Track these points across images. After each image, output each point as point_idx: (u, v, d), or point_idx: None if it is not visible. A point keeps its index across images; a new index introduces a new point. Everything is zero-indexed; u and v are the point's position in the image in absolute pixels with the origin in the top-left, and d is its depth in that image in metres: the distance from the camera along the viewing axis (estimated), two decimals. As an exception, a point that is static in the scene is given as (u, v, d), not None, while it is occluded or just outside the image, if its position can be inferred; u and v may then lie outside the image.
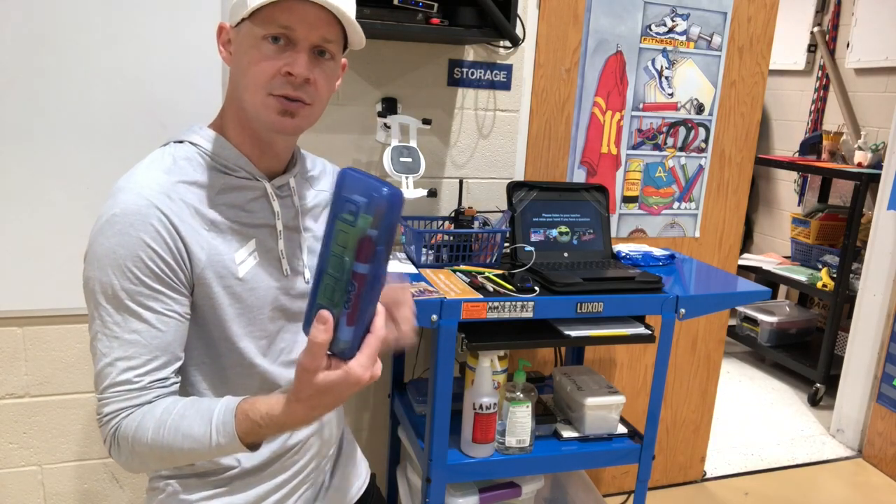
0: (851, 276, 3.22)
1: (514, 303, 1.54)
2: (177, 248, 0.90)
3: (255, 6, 0.89)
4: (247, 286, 0.97)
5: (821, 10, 3.87)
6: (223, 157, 0.97)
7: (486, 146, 2.07)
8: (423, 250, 1.77)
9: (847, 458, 2.91)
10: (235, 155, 0.98)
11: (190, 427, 0.85)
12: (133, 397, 0.89)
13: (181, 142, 0.98)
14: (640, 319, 1.73)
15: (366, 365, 0.77)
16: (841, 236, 3.37)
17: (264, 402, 0.83)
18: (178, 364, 0.94)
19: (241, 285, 0.97)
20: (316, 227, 1.11)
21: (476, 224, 1.87)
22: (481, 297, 1.54)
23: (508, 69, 2.03)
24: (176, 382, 0.93)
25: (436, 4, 1.68)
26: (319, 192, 1.14)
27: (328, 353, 0.77)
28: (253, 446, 0.86)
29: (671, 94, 2.24)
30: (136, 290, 0.88)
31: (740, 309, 3.81)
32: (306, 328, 0.76)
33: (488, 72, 2.02)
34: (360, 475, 1.26)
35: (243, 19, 0.92)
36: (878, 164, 3.15)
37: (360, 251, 0.73)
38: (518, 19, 1.90)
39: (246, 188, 0.99)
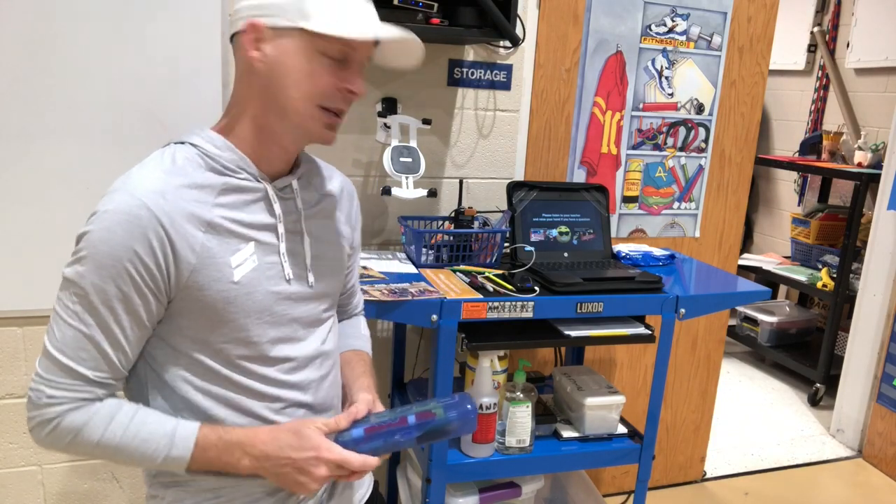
0: (851, 276, 3.22)
1: (514, 303, 1.54)
2: (163, 253, 0.89)
3: (336, 34, 0.90)
4: (243, 290, 0.95)
5: (821, 10, 3.87)
6: (224, 159, 0.96)
7: (486, 146, 2.07)
8: (423, 250, 1.77)
9: (847, 458, 2.91)
10: (237, 156, 0.97)
11: (150, 433, 0.92)
12: (85, 392, 0.90)
13: (182, 143, 0.97)
14: (640, 319, 1.73)
15: (331, 459, 0.95)
16: (841, 236, 3.37)
17: (230, 426, 0.96)
18: (130, 366, 0.95)
19: (236, 289, 0.95)
20: (320, 231, 1.08)
21: (476, 224, 1.87)
22: (481, 297, 1.53)
23: (508, 69, 2.03)
24: (121, 382, 0.96)
25: (436, 4, 1.68)
26: (324, 195, 1.11)
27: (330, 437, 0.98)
28: (191, 468, 0.94)
29: (671, 94, 2.24)
30: (108, 290, 0.89)
31: (740, 309, 3.81)
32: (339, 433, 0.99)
33: (488, 72, 2.02)
34: (364, 484, 1.24)
35: (294, 27, 0.91)
36: (878, 164, 3.15)
37: (420, 416, 1.02)
38: (518, 19, 1.90)
39: (247, 190, 0.97)
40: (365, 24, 0.94)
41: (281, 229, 1.01)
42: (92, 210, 0.92)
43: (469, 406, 1.03)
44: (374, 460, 0.98)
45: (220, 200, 0.95)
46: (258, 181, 0.99)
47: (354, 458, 0.95)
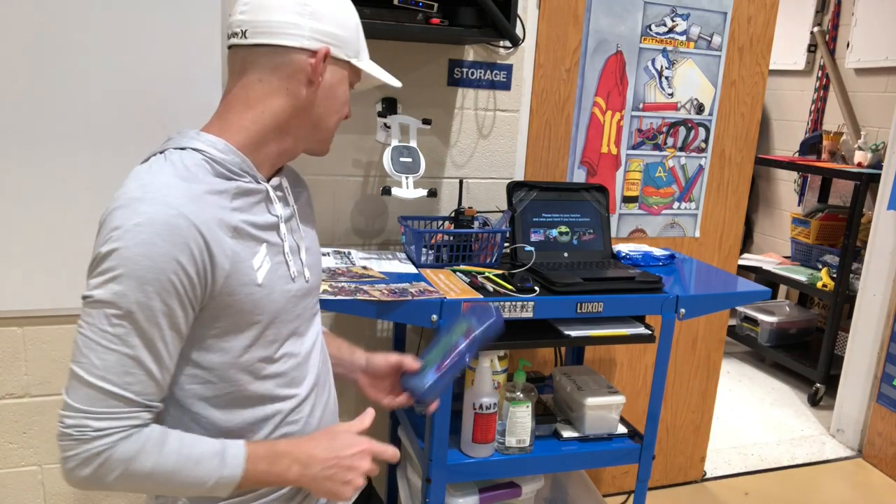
0: (851, 276, 3.22)
1: (514, 303, 1.54)
2: (202, 262, 0.88)
3: (373, 76, 1.06)
4: (265, 291, 0.96)
5: (821, 10, 3.87)
6: (228, 162, 0.95)
7: (486, 146, 2.07)
8: (423, 250, 1.77)
9: (847, 458, 2.91)
10: (240, 159, 0.97)
11: (202, 453, 0.90)
12: (134, 419, 0.87)
13: (183, 149, 0.95)
14: (640, 319, 1.73)
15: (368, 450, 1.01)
16: (841, 236, 3.37)
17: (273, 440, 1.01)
18: (165, 390, 0.92)
19: (260, 291, 0.96)
20: (305, 225, 1.11)
21: (476, 224, 1.87)
22: (481, 297, 1.54)
23: (508, 69, 2.03)
24: (159, 410, 0.92)
25: (436, 4, 1.68)
26: (299, 191, 1.15)
27: (408, 388, 1.16)
28: (242, 486, 0.93)
29: (671, 94, 2.25)
30: (153, 306, 0.85)
31: (740, 309, 3.81)
32: (415, 382, 1.15)
33: (488, 72, 2.02)
34: None
35: (347, 61, 1.02)
36: (878, 164, 3.15)
37: (465, 337, 1.17)
38: (518, 19, 1.90)
39: (252, 192, 0.98)
40: (382, 70, 1.09)
41: (283, 228, 1.02)
42: (106, 224, 0.86)
43: (490, 306, 1.21)
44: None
45: (235, 204, 0.95)
46: (259, 182, 0.99)
47: (390, 447, 1.03)
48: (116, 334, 0.85)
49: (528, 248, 1.79)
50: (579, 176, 2.20)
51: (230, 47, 1.00)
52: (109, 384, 0.85)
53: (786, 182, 4.20)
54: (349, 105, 1.07)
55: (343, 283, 1.54)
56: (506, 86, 2.04)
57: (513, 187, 1.84)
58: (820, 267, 3.51)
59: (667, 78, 2.23)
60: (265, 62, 0.97)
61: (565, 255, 1.85)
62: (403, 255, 1.89)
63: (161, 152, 0.95)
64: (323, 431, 1.02)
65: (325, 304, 1.38)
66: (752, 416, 3.25)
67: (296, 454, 0.96)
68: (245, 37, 0.97)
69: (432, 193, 1.83)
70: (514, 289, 1.58)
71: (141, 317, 0.85)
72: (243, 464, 0.92)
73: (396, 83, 1.11)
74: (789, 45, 4.01)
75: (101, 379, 0.85)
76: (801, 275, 3.51)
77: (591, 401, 1.74)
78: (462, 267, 1.76)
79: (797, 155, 3.88)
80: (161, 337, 0.87)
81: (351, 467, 0.98)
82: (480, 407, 1.61)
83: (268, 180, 1.02)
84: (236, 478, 0.91)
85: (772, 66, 3.98)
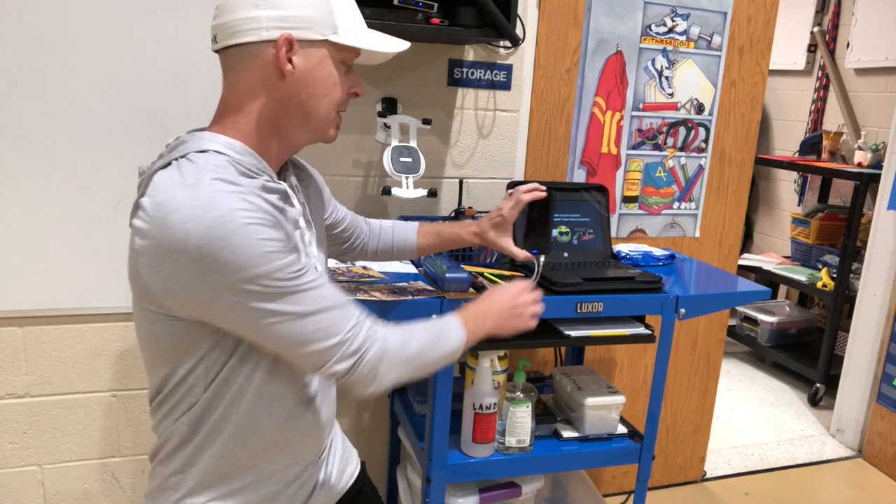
0: (851, 276, 3.22)
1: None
2: (284, 232, 0.93)
3: (363, 47, 0.99)
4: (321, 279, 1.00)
5: (821, 10, 3.87)
6: (247, 164, 0.95)
7: (486, 146, 2.07)
8: (423, 250, 1.77)
9: (847, 458, 2.91)
10: (256, 160, 0.97)
11: (441, 334, 1.08)
12: (364, 322, 0.97)
13: (204, 151, 0.94)
14: (640, 319, 1.73)
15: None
16: (841, 236, 3.37)
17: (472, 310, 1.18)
18: None
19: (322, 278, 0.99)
20: (314, 217, 1.13)
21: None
22: (481, 297, 1.53)
23: (508, 69, 2.03)
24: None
25: (436, 4, 1.68)
26: (303, 181, 1.15)
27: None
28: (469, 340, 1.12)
29: (671, 94, 2.25)
30: (284, 264, 0.89)
31: (740, 309, 3.81)
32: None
33: (488, 72, 2.02)
34: (353, 461, 1.29)
35: (324, 40, 0.96)
36: (878, 164, 3.15)
37: None
38: (518, 19, 1.90)
39: (273, 190, 0.98)
40: (379, 36, 1.03)
41: (302, 223, 1.05)
42: (177, 236, 0.85)
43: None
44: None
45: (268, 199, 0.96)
46: (277, 182, 1.00)
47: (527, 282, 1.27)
48: (292, 288, 0.90)
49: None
50: (579, 176, 2.20)
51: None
52: (339, 302, 0.95)
53: (786, 182, 4.20)
54: (354, 83, 1.03)
55: (343, 283, 1.54)
56: (506, 86, 2.04)
57: (513, 187, 1.84)
58: (820, 267, 3.51)
59: (667, 78, 2.23)
60: (236, 63, 0.97)
61: (565, 255, 1.85)
62: (403, 255, 1.89)
63: (183, 156, 0.93)
64: (490, 290, 1.24)
65: (325, 304, 1.38)
66: (752, 416, 3.25)
67: (486, 311, 1.17)
68: (216, 41, 0.98)
69: (432, 193, 1.83)
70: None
71: (291, 273, 0.89)
72: (464, 331, 1.10)
73: (399, 47, 1.04)
74: (789, 45, 4.01)
75: (331, 306, 0.93)
76: (801, 275, 3.51)
77: (591, 401, 1.74)
78: (462, 267, 1.75)
79: (797, 155, 3.88)
80: (312, 271, 0.94)
81: (525, 304, 1.23)
82: (480, 407, 1.61)
83: (280, 175, 1.05)
84: (464, 342, 1.11)
85: (772, 66, 3.98)
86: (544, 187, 1.43)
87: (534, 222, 1.57)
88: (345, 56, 1.00)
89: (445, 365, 1.10)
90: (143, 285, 0.90)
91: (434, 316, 1.13)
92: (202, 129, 1.00)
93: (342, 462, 1.24)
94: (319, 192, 1.22)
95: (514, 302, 1.22)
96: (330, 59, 0.98)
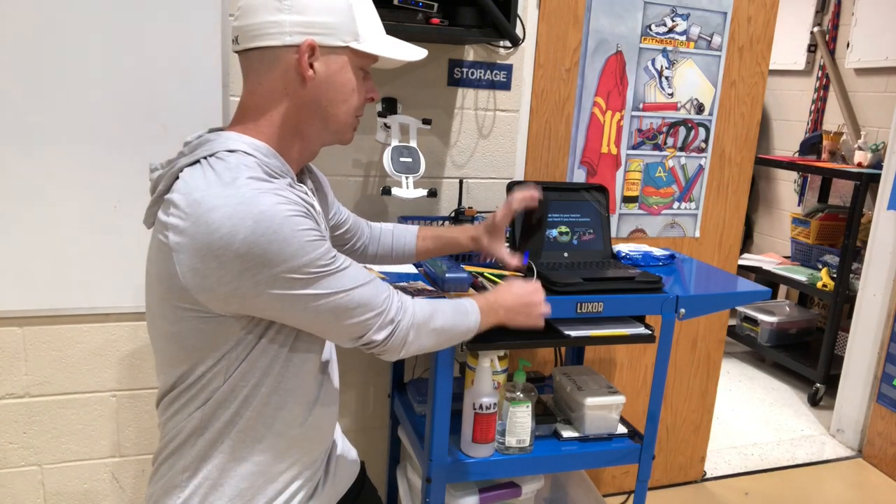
0: (851, 276, 3.22)
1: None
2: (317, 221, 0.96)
3: (383, 55, 1.01)
4: None
5: (821, 10, 3.87)
6: (272, 166, 0.97)
7: (486, 146, 2.07)
8: (423, 250, 1.77)
9: (847, 458, 2.91)
10: (279, 162, 0.99)
11: (458, 307, 1.16)
12: (395, 293, 1.04)
13: (233, 151, 0.94)
14: (640, 319, 1.73)
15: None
16: (841, 236, 3.37)
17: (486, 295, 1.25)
18: None
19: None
20: (328, 220, 1.17)
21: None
22: (481, 297, 1.53)
23: (508, 69, 2.03)
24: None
25: (436, 4, 1.68)
26: (318, 188, 1.19)
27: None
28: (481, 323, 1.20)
29: (671, 94, 2.25)
30: (322, 253, 0.93)
31: (740, 309, 3.81)
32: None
33: (488, 72, 2.02)
34: (353, 460, 1.30)
35: (345, 47, 0.98)
36: (878, 164, 3.15)
37: None
38: (518, 19, 1.90)
39: (297, 191, 0.99)
40: (401, 45, 1.06)
41: (321, 224, 1.05)
42: (220, 234, 0.87)
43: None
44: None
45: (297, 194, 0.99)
46: (298, 184, 1.01)
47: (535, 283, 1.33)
48: (331, 271, 0.94)
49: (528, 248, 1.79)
50: (579, 176, 2.20)
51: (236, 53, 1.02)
52: (370, 279, 1.01)
53: (786, 182, 4.20)
54: (371, 88, 1.06)
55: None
56: (506, 86, 2.04)
57: (513, 187, 1.84)
58: (820, 267, 3.51)
59: (667, 78, 2.23)
60: (258, 66, 0.98)
61: (565, 255, 1.85)
62: (403, 255, 1.89)
63: (212, 155, 0.93)
64: (507, 284, 1.30)
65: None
66: (752, 416, 3.25)
67: (500, 302, 1.24)
68: (238, 43, 0.99)
69: (432, 193, 1.83)
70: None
71: (327, 260, 0.94)
72: (479, 316, 1.19)
73: (417, 56, 1.09)
74: (789, 45, 4.01)
75: (364, 284, 0.99)
76: (801, 275, 3.51)
77: (591, 401, 1.74)
78: (462, 267, 1.75)
79: (797, 155, 3.88)
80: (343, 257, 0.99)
81: (536, 303, 1.29)
82: (480, 407, 1.61)
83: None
84: (478, 325, 1.19)
85: (772, 66, 3.98)
86: (538, 195, 1.43)
87: (529, 226, 1.59)
88: (364, 62, 1.02)
89: (458, 343, 1.19)
90: (177, 283, 0.91)
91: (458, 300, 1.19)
92: (223, 129, 1.01)
93: (343, 462, 1.24)
94: (325, 194, 1.24)
95: (528, 300, 1.28)
96: (350, 66, 1.00)
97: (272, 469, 1.04)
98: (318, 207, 1.07)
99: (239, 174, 0.90)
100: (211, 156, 0.93)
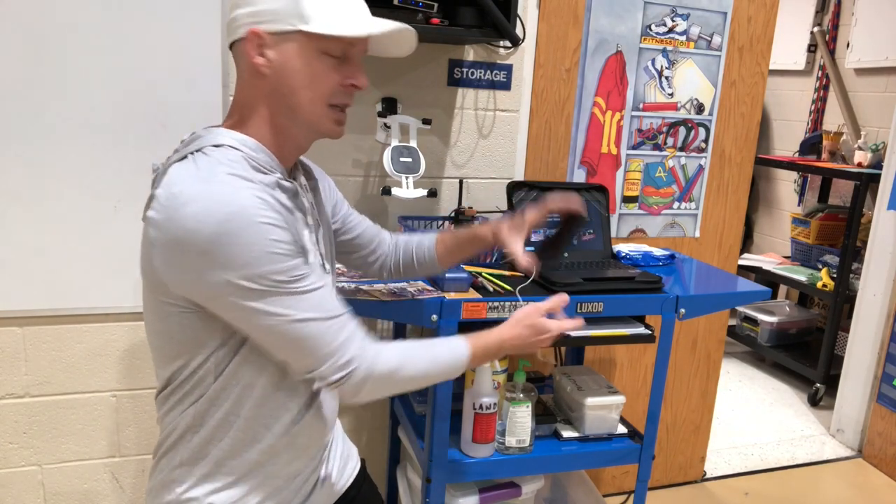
0: (851, 276, 3.22)
1: (514, 303, 1.54)
2: (291, 234, 0.93)
3: (337, 34, 0.93)
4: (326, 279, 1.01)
5: (821, 10, 3.87)
6: (260, 161, 0.97)
7: (486, 146, 2.07)
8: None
9: (847, 458, 2.91)
10: (269, 157, 0.99)
11: (436, 356, 1.05)
12: (358, 335, 0.97)
13: (219, 146, 0.95)
14: (640, 319, 1.73)
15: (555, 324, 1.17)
16: (841, 236, 3.37)
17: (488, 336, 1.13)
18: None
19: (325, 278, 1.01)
20: (323, 218, 1.14)
21: (476, 224, 1.87)
22: (481, 297, 1.53)
23: (508, 69, 2.03)
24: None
25: (436, 4, 1.68)
26: (313, 184, 1.17)
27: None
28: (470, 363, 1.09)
29: (671, 94, 2.24)
30: (289, 266, 0.90)
31: (740, 309, 3.81)
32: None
33: (488, 72, 2.02)
34: (353, 457, 1.30)
35: (294, 31, 0.93)
36: (878, 164, 3.15)
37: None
38: (518, 19, 1.90)
39: (285, 188, 1.00)
40: (360, 20, 0.97)
41: (310, 221, 1.05)
42: (187, 228, 0.86)
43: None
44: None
45: (276, 198, 0.97)
46: (287, 181, 1.01)
47: (567, 322, 1.20)
48: (289, 290, 0.90)
49: (528, 248, 1.79)
50: (579, 176, 2.20)
51: None
52: (334, 313, 0.94)
53: (786, 182, 4.20)
54: (351, 74, 0.98)
55: (343, 283, 1.54)
56: (506, 86, 2.04)
57: (513, 187, 1.84)
58: (820, 267, 3.51)
59: (667, 78, 2.23)
60: (236, 62, 1.01)
61: (565, 255, 1.85)
62: (403, 255, 1.89)
63: (199, 150, 0.94)
64: (515, 321, 1.17)
65: (325, 304, 1.38)
66: (752, 416, 3.25)
67: (504, 342, 1.14)
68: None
69: (432, 193, 1.83)
70: (513, 289, 1.58)
71: (291, 276, 0.90)
72: (468, 361, 1.09)
73: (382, 28, 0.98)
74: (789, 45, 4.01)
75: (323, 317, 0.93)
76: (801, 275, 3.51)
77: (591, 401, 1.74)
78: (462, 267, 1.75)
79: (797, 155, 3.88)
80: (315, 276, 0.94)
81: (546, 339, 1.18)
82: (480, 407, 1.61)
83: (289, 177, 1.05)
84: (465, 367, 1.09)
85: (772, 66, 3.98)
86: (582, 209, 1.31)
87: (560, 237, 1.38)
88: (328, 46, 0.95)
89: (446, 379, 1.12)
90: (157, 277, 0.92)
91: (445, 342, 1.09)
92: (217, 126, 1.02)
93: (343, 460, 1.24)
94: (323, 192, 1.22)
95: (536, 338, 1.17)
96: (305, 50, 0.95)
97: (270, 467, 1.04)
98: (307, 204, 1.05)
99: (218, 169, 0.90)
100: (198, 151, 0.94)
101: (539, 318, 1.17)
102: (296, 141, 1.02)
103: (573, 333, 1.61)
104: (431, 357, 1.05)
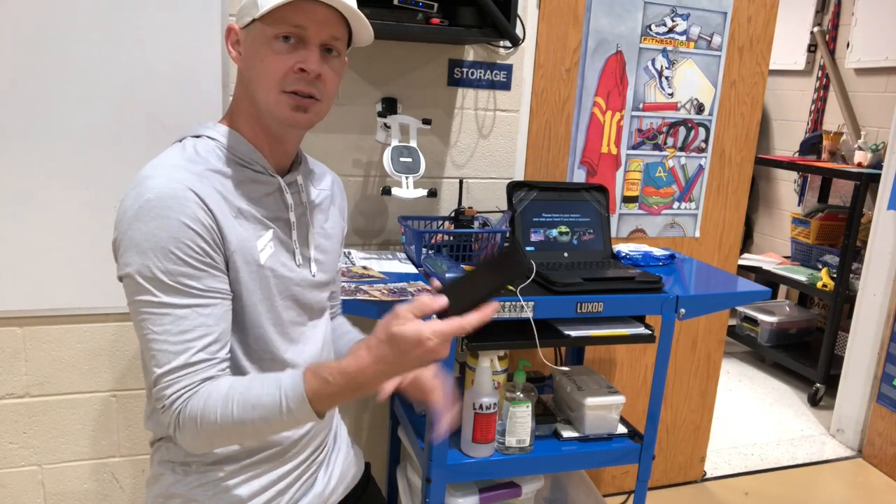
0: (851, 276, 3.22)
1: (514, 303, 1.54)
2: (213, 229, 0.93)
3: (268, 8, 0.93)
4: (266, 273, 1.01)
5: (821, 10, 3.87)
6: (239, 152, 1.01)
7: (486, 146, 2.07)
8: (423, 250, 1.77)
9: (847, 458, 2.91)
10: (251, 150, 1.01)
11: (258, 397, 0.87)
12: (191, 375, 0.90)
13: (198, 136, 1.01)
14: (640, 319, 1.73)
15: (436, 332, 0.82)
16: (841, 236, 3.37)
17: (334, 360, 0.92)
18: (227, 341, 0.96)
19: (262, 272, 1.00)
20: (321, 224, 1.14)
21: (476, 224, 1.87)
22: (481, 297, 1.53)
23: (508, 69, 2.03)
24: (227, 360, 0.96)
25: (436, 4, 1.68)
26: (321, 190, 1.18)
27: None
28: (320, 413, 0.87)
29: (671, 94, 2.24)
30: (180, 271, 0.90)
31: (740, 309, 3.81)
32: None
33: (488, 72, 2.02)
34: (356, 465, 1.30)
35: (253, 20, 0.96)
36: (878, 164, 3.15)
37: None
38: (518, 19, 1.90)
39: (262, 182, 1.02)
40: None
41: (293, 219, 1.06)
42: (123, 204, 0.93)
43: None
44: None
45: (241, 190, 0.99)
46: (271, 175, 1.03)
47: (452, 322, 0.85)
48: (161, 301, 0.89)
49: (529, 248, 1.79)
50: (579, 176, 2.20)
51: None
52: (184, 346, 0.89)
53: (786, 182, 4.20)
54: (301, 58, 0.95)
55: (343, 283, 1.54)
56: (506, 86, 2.04)
57: (513, 187, 1.84)
58: (820, 267, 3.50)
59: (667, 78, 2.23)
60: None
61: (565, 255, 1.85)
62: (403, 255, 1.89)
63: (180, 140, 1.01)
64: (378, 336, 0.85)
65: (325, 304, 1.38)
66: (752, 416, 3.25)
67: (361, 379, 0.85)
68: None
69: (432, 193, 1.83)
70: (513, 289, 1.58)
71: (175, 281, 0.89)
72: (307, 405, 0.86)
73: None
74: (789, 45, 4.01)
75: (172, 340, 0.89)
76: (801, 275, 3.51)
77: (591, 401, 1.74)
78: (462, 267, 1.75)
79: (797, 155, 3.88)
80: (201, 292, 0.91)
81: (421, 359, 0.86)
82: (480, 407, 1.61)
83: (286, 173, 1.06)
84: (308, 413, 0.87)
85: (772, 66, 3.96)
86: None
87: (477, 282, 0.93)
88: (278, 29, 0.94)
89: (282, 429, 0.97)
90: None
91: (284, 375, 0.90)
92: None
93: (345, 464, 1.23)
94: (331, 209, 1.19)
95: (408, 358, 0.85)
96: (259, 38, 0.96)
97: (259, 466, 1.06)
98: (290, 201, 1.05)
99: (169, 158, 0.95)
100: (178, 141, 1.00)
101: (398, 328, 0.83)
102: (271, 132, 1.02)
103: (573, 333, 1.61)
104: (255, 407, 0.88)
